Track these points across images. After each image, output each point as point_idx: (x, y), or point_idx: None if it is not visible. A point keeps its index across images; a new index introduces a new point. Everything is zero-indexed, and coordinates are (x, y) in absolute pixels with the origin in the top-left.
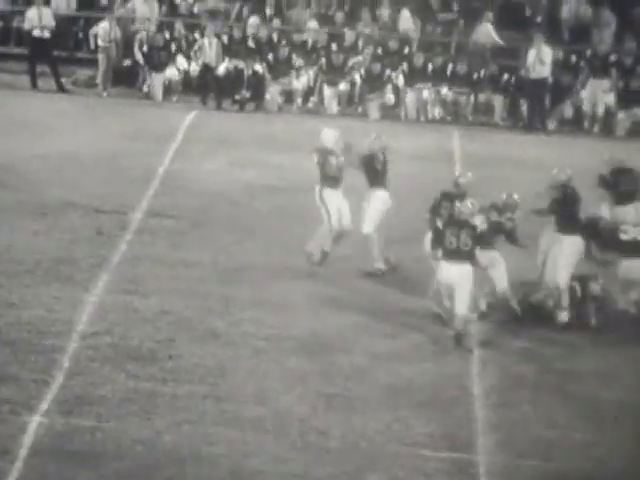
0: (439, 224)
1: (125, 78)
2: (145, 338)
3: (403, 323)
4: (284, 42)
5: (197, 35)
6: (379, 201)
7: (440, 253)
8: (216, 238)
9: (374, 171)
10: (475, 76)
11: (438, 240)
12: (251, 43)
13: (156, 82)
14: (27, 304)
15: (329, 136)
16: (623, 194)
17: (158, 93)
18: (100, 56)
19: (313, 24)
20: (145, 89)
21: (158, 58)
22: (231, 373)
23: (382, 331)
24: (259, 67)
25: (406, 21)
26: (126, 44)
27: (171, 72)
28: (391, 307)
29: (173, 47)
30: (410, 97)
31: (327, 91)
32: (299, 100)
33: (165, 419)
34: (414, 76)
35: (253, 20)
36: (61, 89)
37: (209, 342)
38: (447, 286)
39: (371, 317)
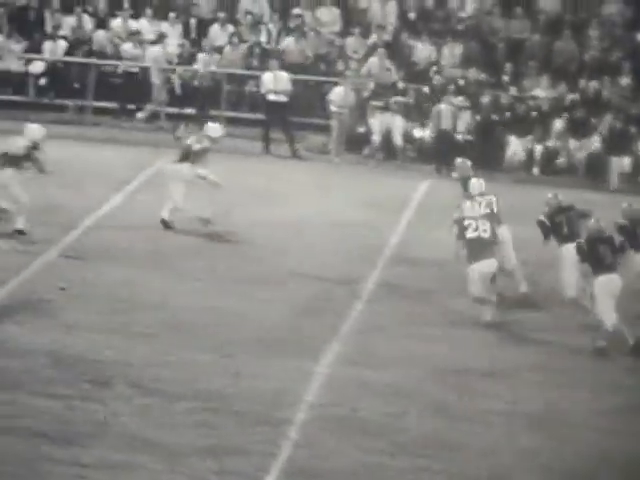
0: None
1: (358, 145)
2: (374, 410)
3: None
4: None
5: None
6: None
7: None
8: (451, 310)
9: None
10: None
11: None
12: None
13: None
14: (256, 375)
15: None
16: None
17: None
18: (333, 122)
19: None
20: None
21: None
22: (463, 449)
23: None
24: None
25: None
26: (360, 109)
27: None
28: None
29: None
30: None
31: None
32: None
33: None
34: None
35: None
36: (295, 155)
37: (440, 416)
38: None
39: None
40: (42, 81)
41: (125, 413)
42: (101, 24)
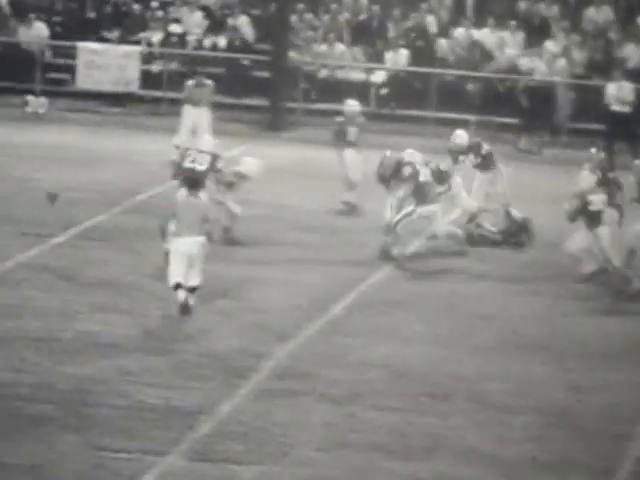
0: None
1: None
2: None
3: None
4: None
5: None
6: None
7: None
8: None
9: None
10: None
11: None
12: None
13: None
14: (595, 388)
15: None
16: None
17: None
18: None
19: None
20: None
21: None
22: None
23: None
24: None
25: None
26: None
27: None
28: None
29: None
30: None
31: None
32: None
33: None
34: None
35: None
36: None
37: None
38: None
39: None
40: (383, 91)
41: (462, 427)
42: (443, 32)
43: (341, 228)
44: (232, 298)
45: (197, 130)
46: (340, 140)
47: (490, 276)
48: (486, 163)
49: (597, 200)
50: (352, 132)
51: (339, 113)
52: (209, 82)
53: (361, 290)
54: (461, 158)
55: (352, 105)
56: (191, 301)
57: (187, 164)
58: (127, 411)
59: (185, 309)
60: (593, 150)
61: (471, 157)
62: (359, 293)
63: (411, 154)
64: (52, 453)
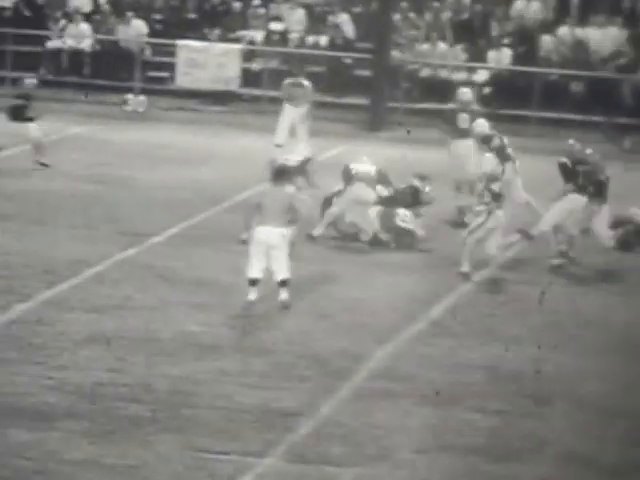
0: None
1: None
2: None
3: None
4: None
5: None
6: None
7: None
8: None
9: None
10: None
11: None
12: None
13: None
14: None
15: None
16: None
17: None
18: None
19: None
20: None
21: None
22: None
23: None
24: None
25: None
26: None
27: None
28: None
29: None
30: None
31: None
32: None
33: None
34: None
35: None
36: None
37: None
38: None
39: None
40: (485, 90)
41: (563, 429)
42: (547, 30)
43: (442, 230)
44: (330, 298)
45: (295, 129)
46: (451, 127)
47: (591, 278)
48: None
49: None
50: (464, 119)
51: (440, 112)
52: (307, 82)
53: (462, 291)
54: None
55: (466, 92)
56: (284, 295)
57: (279, 160)
58: (225, 412)
59: (250, 304)
60: (571, 141)
61: (484, 148)
62: (460, 294)
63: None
64: (149, 454)
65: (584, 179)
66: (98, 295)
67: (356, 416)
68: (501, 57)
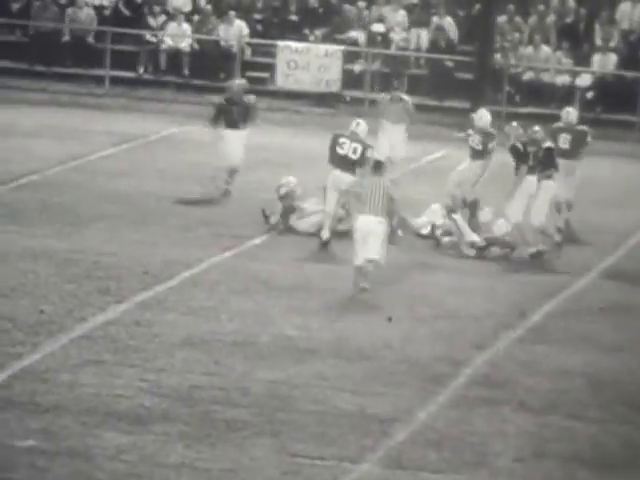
0: None
1: None
2: None
3: None
4: None
5: None
6: None
7: None
8: None
9: None
10: None
11: None
12: None
13: None
14: None
15: None
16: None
17: None
18: None
19: None
20: None
21: None
22: None
23: None
24: None
25: None
26: None
27: None
28: None
29: None
30: None
31: None
32: None
33: None
34: None
35: None
36: None
37: None
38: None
39: None
40: (589, 95)
41: None
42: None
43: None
44: (427, 304)
45: (394, 149)
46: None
47: None
48: (480, 153)
49: None
50: (564, 139)
51: (543, 117)
52: (406, 97)
53: (561, 298)
54: (469, 132)
55: (570, 112)
56: (364, 283)
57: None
58: (322, 417)
59: (362, 291)
60: (514, 124)
61: (476, 138)
62: (559, 300)
63: None
64: (245, 458)
65: (534, 159)
66: (194, 297)
67: (453, 422)
68: (606, 61)
